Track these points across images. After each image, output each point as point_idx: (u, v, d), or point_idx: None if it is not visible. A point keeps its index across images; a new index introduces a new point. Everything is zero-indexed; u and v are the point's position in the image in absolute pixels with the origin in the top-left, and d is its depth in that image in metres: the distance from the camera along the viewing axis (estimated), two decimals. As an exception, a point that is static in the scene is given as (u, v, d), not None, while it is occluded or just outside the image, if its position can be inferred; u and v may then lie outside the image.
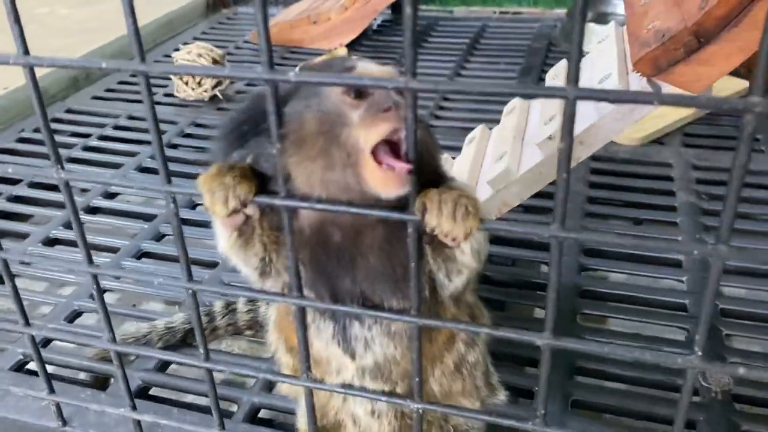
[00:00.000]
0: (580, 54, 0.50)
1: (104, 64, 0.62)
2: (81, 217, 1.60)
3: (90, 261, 0.76)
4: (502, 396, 0.91)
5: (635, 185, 1.61)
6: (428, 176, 0.65)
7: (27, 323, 0.85)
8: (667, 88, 0.89)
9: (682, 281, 1.30)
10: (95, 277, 0.76)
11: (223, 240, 0.72)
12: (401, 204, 0.60)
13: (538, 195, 1.22)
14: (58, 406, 0.93)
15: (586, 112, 0.96)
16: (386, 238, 0.70)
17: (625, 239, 0.59)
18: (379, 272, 0.71)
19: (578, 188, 1.58)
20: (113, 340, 0.80)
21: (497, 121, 1.95)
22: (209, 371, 0.78)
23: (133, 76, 2.15)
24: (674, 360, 0.61)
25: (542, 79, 2.26)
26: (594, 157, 1.54)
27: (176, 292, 1.36)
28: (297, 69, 0.72)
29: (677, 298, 1.26)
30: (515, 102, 1.29)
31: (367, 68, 0.66)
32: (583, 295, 1.28)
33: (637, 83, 0.91)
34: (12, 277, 0.81)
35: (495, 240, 1.41)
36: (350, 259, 0.71)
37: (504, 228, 0.59)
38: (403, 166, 0.61)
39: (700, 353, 0.59)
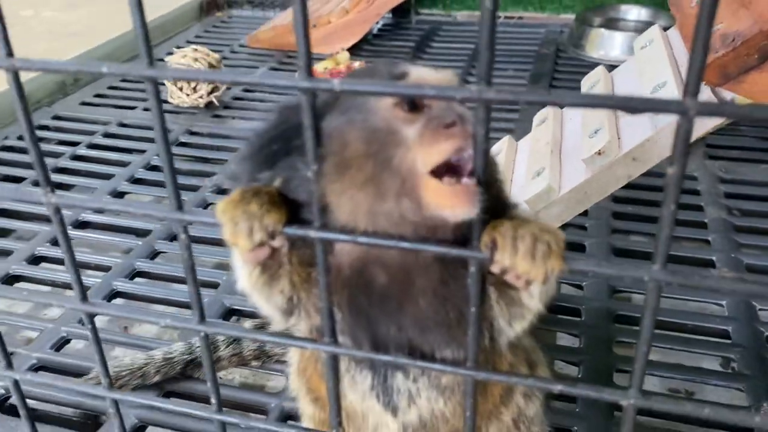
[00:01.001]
0: (705, 55, 0.40)
1: (105, 68, 0.51)
2: (69, 232, 1.50)
3: (84, 297, 0.65)
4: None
5: (661, 199, 1.52)
6: (492, 203, 0.55)
7: (9, 365, 0.74)
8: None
9: (721, 305, 1.21)
10: (91, 317, 0.66)
11: (244, 276, 0.61)
12: (462, 238, 0.50)
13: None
14: (44, 456, 0.82)
15: (641, 126, 0.86)
16: (442, 279, 0.59)
17: (726, 282, 0.49)
18: (430, 319, 0.61)
19: (603, 203, 1.48)
20: (110, 386, 0.70)
21: (509, 131, 1.86)
22: (221, 424, 0.67)
23: (124, 80, 2.01)
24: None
25: (553, 86, 2.17)
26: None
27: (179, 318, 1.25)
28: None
29: (718, 324, 1.17)
30: (547, 111, 1.19)
31: (424, 75, 0.55)
32: (617, 320, 1.19)
33: (701, 92, 0.82)
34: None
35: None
36: (397, 304, 0.60)
37: (593, 269, 0.49)
38: (469, 181, 0.51)
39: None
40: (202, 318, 0.61)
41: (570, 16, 2.65)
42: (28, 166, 1.78)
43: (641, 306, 1.22)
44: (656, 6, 2.49)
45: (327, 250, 0.53)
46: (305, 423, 0.76)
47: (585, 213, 1.48)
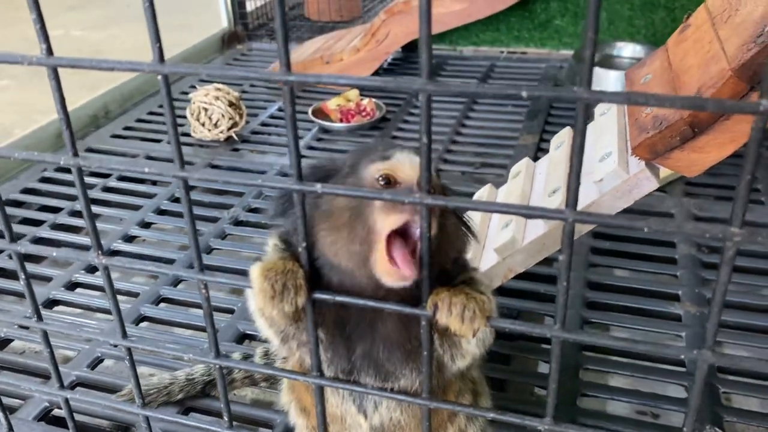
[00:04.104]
0: (578, 177, 0.56)
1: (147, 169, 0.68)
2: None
3: (124, 334, 0.82)
4: (498, 465, 0.97)
5: (637, 236, 1.66)
6: (449, 266, 0.72)
7: (62, 386, 0.90)
8: (664, 169, 0.94)
9: (681, 336, 1.35)
10: (129, 350, 0.82)
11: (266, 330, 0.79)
12: (416, 294, 0.66)
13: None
14: (87, 461, 0.99)
15: (589, 190, 1.02)
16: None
17: (619, 341, 0.65)
18: (394, 340, 0.77)
19: (582, 238, 1.63)
20: (143, 405, 0.86)
21: (503, 166, 2.01)
22: (232, 438, 0.83)
23: (151, 113, 2.19)
24: None
25: (548, 122, 2.32)
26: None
27: (196, 341, 1.41)
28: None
29: (676, 353, 1.31)
30: (521, 165, 1.35)
31: (399, 162, 0.71)
32: (585, 348, 1.33)
33: (636, 164, 0.97)
34: (48, 341, 0.88)
35: (501, 292, 1.46)
36: (370, 322, 0.76)
37: (507, 326, 0.64)
38: (405, 270, 0.68)
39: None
40: (217, 354, 0.77)
41: (569, 52, 2.80)
42: (65, 197, 1.96)
43: (607, 336, 1.36)
44: (650, 43, 2.63)
45: (313, 308, 0.69)
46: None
47: (566, 248, 1.63)
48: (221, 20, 3.19)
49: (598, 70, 2.49)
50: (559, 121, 2.31)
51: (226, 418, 0.82)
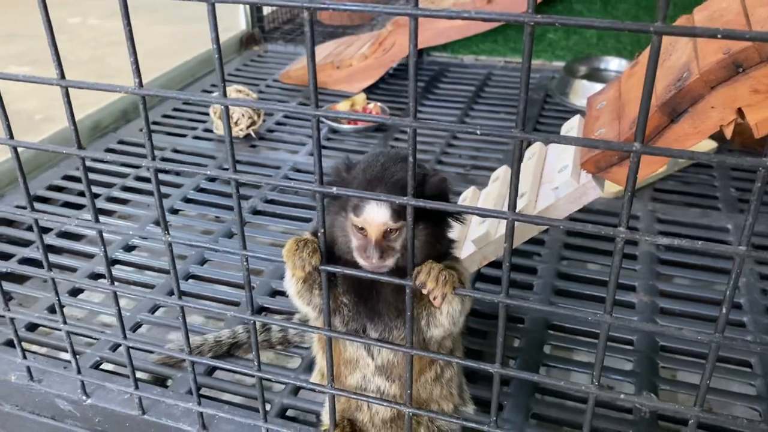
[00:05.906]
0: (517, 182, 0.79)
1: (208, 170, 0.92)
2: (136, 242, 1.92)
3: (179, 296, 1.06)
4: (470, 408, 1.21)
5: (606, 236, 1.90)
6: (435, 255, 0.98)
7: (125, 336, 1.15)
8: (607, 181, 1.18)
9: (633, 320, 1.59)
10: (182, 308, 1.07)
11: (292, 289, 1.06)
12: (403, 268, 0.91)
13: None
14: (140, 398, 1.24)
15: (548, 194, 1.25)
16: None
17: (542, 306, 0.88)
18: (391, 301, 1.03)
19: (557, 235, 1.87)
20: (190, 353, 1.11)
21: (494, 169, 2.25)
22: (260, 379, 1.08)
23: (176, 110, 2.45)
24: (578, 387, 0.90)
25: (537, 129, 2.55)
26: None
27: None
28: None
29: (626, 334, 1.55)
30: (500, 171, 1.59)
31: (367, 220, 0.94)
32: (550, 327, 1.57)
33: (585, 176, 1.21)
34: (117, 302, 1.12)
35: (484, 279, 1.70)
36: (378, 291, 1.03)
37: (467, 294, 0.89)
38: (375, 263, 0.95)
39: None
40: (252, 311, 1.02)
41: (561, 63, 3.03)
42: (101, 184, 2.21)
43: (570, 317, 1.61)
44: (634, 58, 2.86)
45: (327, 277, 0.94)
46: (316, 373, 1.22)
47: (542, 243, 1.87)
48: (240, 23, 3.43)
49: (585, 83, 2.73)
50: (548, 129, 2.54)
51: (256, 363, 1.07)
